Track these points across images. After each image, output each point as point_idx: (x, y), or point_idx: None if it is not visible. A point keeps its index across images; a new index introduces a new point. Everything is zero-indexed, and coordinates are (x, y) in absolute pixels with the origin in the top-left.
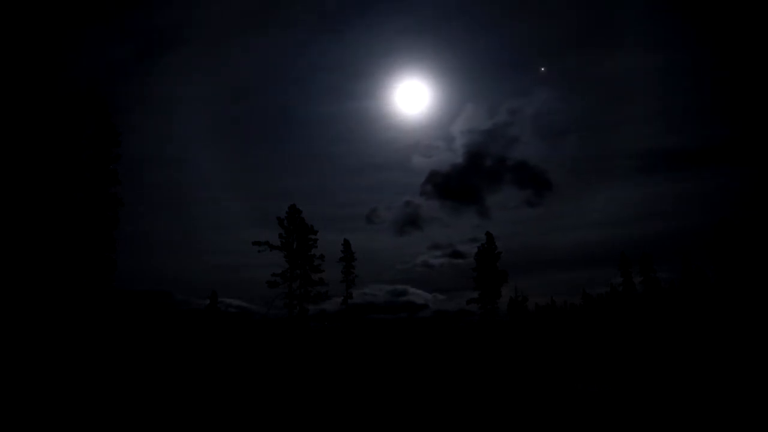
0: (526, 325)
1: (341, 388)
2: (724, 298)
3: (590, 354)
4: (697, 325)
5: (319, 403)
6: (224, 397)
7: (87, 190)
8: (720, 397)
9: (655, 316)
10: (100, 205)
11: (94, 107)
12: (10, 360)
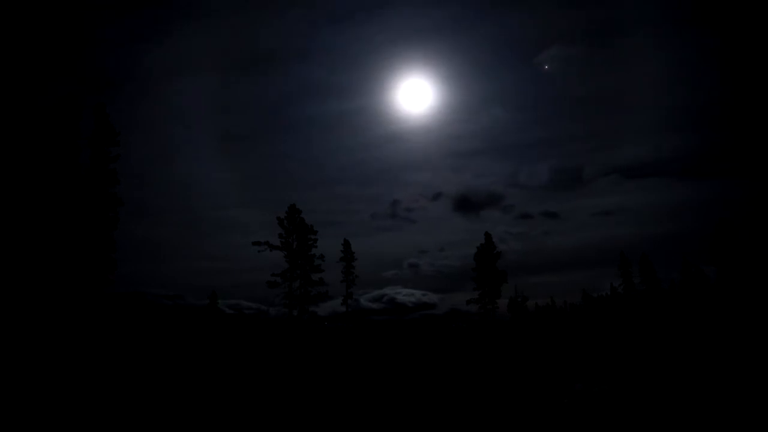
0: (526, 325)
1: (343, 389)
2: (724, 298)
3: (590, 354)
4: (697, 325)
5: (320, 402)
6: (224, 396)
7: (87, 190)
8: (720, 397)
9: (655, 316)
10: (100, 205)
11: (92, 108)
12: (11, 359)
